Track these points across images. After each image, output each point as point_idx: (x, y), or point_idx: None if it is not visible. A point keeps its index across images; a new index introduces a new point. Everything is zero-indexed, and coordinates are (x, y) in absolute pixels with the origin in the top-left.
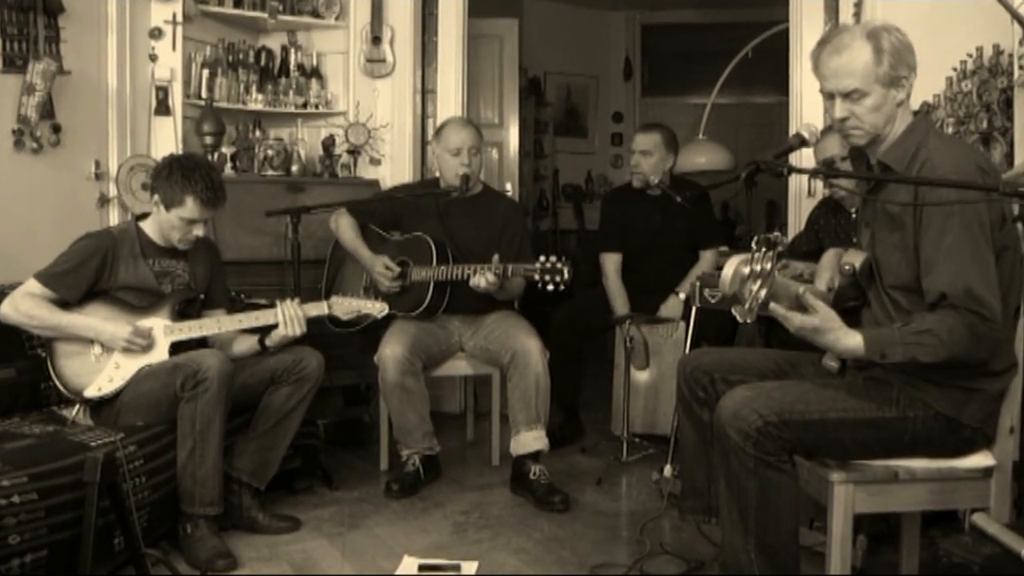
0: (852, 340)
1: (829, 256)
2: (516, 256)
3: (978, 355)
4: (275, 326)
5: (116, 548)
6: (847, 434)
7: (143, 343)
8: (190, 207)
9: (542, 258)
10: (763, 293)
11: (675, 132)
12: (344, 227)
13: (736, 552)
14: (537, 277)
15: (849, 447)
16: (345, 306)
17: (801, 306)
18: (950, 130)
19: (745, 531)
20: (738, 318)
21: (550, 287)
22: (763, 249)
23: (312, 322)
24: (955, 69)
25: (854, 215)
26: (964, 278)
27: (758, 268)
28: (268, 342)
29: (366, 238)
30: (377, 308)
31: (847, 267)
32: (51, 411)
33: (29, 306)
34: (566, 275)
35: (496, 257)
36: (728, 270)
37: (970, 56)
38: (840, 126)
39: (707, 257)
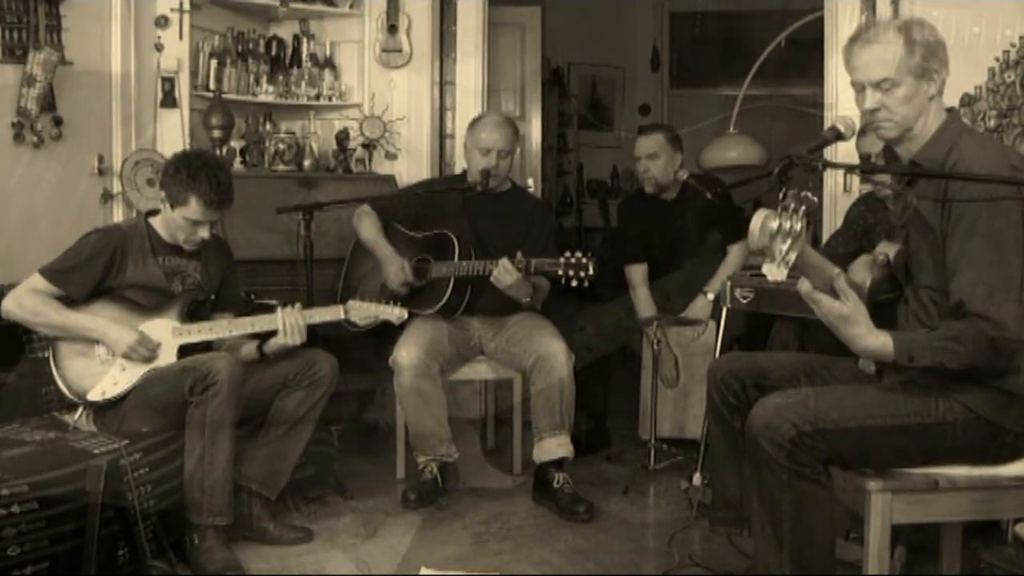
0: (878, 340)
1: (861, 263)
2: (539, 255)
3: (997, 365)
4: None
5: (120, 560)
6: (885, 442)
7: (145, 353)
8: (193, 208)
9: (567, 253)
10: (793, 255)
11: (676, 129)
12: (366, 224)
13: (769, 567)
14: (561, 272)
15: (887, 455)
16: (363, 311)
17: (834, 292)
18: (992, 123)
19: (779, 545)
20: (768, 277)
21: (574, 283)
22: (792, 206)
23: (326, 324)
24: (997, 60)
25: None
26: (983, 287)
27: (787, 226)
28: (266, 349)
29: (390, 236)
30: (396, 314)
31: (881, 257)
32: (52, 416)
33: (33, 303)
34: (591, 270)
35: (520, 253)
36: (756, 222)
37: (1013, 46)
38: (870, 118)
39: (735, 252)
